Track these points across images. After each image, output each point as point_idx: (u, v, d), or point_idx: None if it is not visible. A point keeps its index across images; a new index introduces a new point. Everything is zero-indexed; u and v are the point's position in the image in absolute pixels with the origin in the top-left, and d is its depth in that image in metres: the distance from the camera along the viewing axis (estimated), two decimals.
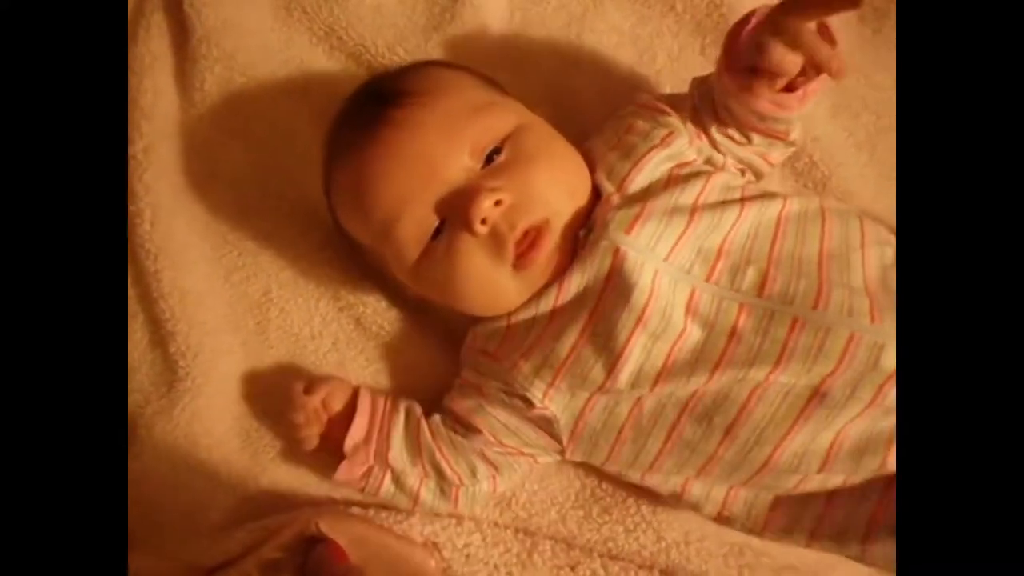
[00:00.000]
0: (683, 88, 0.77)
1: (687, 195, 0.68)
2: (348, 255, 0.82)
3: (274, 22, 0.87)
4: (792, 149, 0.76)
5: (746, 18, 0.68)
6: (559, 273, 0.69)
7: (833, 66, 0.62)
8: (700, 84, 0.75)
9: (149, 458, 0.78)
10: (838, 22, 0.85)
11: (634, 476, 0.73)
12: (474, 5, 0.85)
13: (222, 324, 0.82)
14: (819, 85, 0.68)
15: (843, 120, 0.84)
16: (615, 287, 0.66)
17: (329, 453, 0.76)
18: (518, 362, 0.69)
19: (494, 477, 0.75)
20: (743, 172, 0.76)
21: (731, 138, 0.73)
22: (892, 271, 0.67)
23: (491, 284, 0.69)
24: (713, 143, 0.73)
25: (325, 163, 0.77)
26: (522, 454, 0.75)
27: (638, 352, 0.65)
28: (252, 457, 0.79)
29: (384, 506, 0.78)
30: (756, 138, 0.73)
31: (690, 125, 0.73)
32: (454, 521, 0.78)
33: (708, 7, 0.85)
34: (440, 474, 0.74)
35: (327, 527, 0.72)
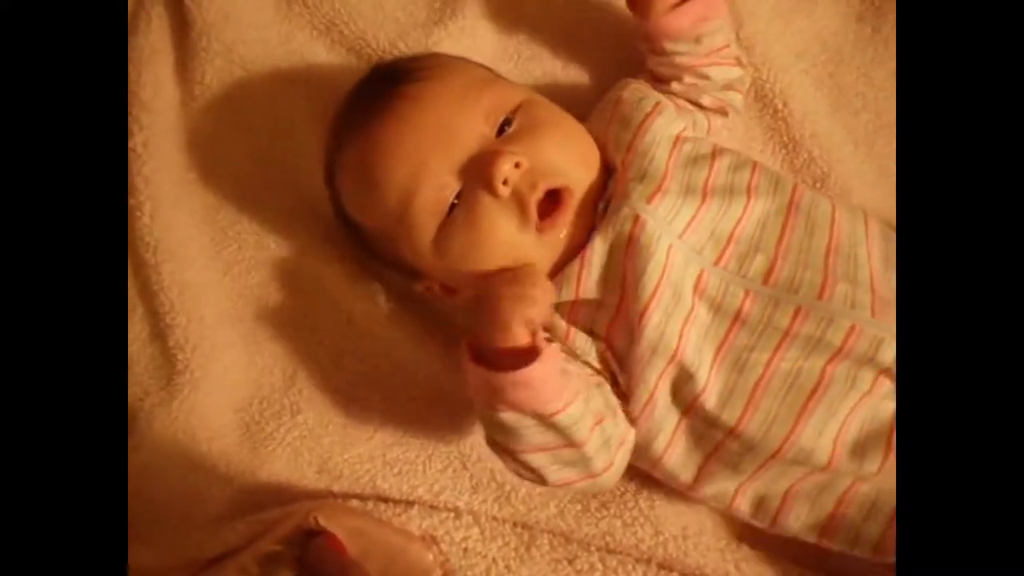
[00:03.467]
0: None
1: (697, 176, 0.69)
2: (349, 249, 0.82)
3: (275, 16, 0.87)
4: (747, 76, 0.80)
5: None
6: (578, 246, 0.69)
7: None
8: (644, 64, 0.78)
9: (148, 451, 0.79)
10: (837, 20, 0.87)
11: (644, 464, 0.73)
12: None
13: (222, 317, 0.83)
14: None
15: (842, 117, 0.84)
16: (633, 257, 0.66)
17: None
18: (569, 332, 0.69)
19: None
20: (725, 113, 0.78)
21: (695, 85, 0.76)
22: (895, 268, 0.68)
23: (515, 249, 0.68)
24: (692, 101, 0.76)
25: (330, 149, 0.77)
26: None
27: (652, 329, 0.65)
28: (251, 450, 0.80)
29: (383, 499, 0.78)
30: (711, 71, 0.76)
31: (667, 97, 0.76)
32: (452, 514, 0.78)
33: None
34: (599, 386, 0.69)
35: (326, 520, 0.72)
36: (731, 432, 0.66)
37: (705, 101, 0.77)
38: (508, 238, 0.68)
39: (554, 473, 0.67)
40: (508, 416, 0.63)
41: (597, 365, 0.69)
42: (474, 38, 0.85)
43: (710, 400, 0.66)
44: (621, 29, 0.86)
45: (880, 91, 0.84)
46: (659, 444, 0.70)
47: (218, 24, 0.84)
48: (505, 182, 0.66)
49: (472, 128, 0.68)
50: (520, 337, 0.62)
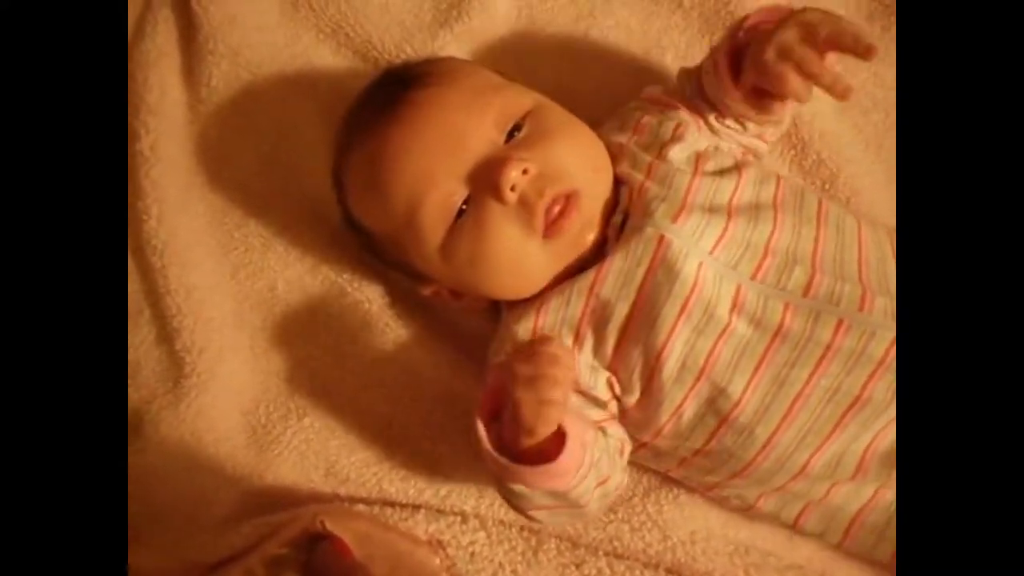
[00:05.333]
0: None
1: (721, 195, 0.68)
2: (356, 252, 0.82)
3: (281, 18, 0.87)
4: (785, 126, 0.78)
5: (742, 24, 0.70)
6: (589, 257, 0.68)
7: (838, 90, 0.64)
8: (689, 77, 0.76)
9: (154, 454, 0.79)
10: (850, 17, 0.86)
11: (664, 466, 0.73)
12: (481, 2, 0.85)
13: (228, 320, 0.83)
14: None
15: (851, 117, 0.84)
16: (658, 276, 0.65)
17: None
18: (576, 363, 0.66)
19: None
20: (744, 154, 0.77)
21: (728, 127, 0.75)
22: None
23: (521, 256, 0.68)
24: (713, 130, 0.75)
25: (339, 151, 0.76)
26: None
27: (680, 347, 0.65)
28: (257, 453, 0.79)
29: (389, 503, 0.77)
30: (751, 125, 0.75)
31: (691, 115, 0.74)
32: (459, 519, 0.78)
33: (716, 3, 0.85)
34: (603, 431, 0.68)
35: (332, 523, 0.72)
36: (764, 446, 0.65)
37: (733, 146, 0.76)
38: (514, 245, 0.67)
39: (552, 520, 0.68)
40: (519, 487, 0.61)
41: (604, 396, 0.68)
42: (480, 41, 0.85)
43: (745, 414, 0.65)
44: (631, 33, 0.86)
45: (890, 91, 0.84)
46: (686, 452, 0.69)
47: (224, 27, 0.84)
48: (512, 188, 0.65)
49: (481, 134, 0.68)
50: (547, 434, 0.58)
